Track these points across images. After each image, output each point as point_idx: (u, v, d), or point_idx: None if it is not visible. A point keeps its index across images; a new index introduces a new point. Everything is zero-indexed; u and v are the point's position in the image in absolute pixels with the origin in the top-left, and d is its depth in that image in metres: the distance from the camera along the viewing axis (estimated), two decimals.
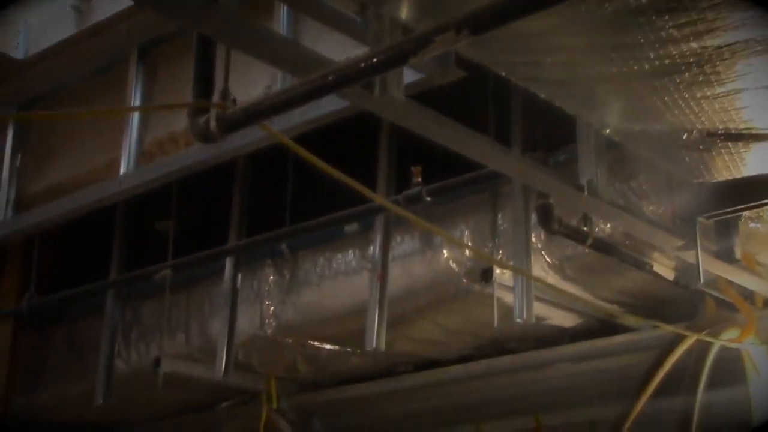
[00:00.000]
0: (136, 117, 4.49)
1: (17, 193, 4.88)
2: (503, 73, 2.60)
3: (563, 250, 4.11)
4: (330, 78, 2.27)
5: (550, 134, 3.89)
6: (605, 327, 4.66)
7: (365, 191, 2.66)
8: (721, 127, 2.79)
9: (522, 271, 3.67)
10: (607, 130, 2.98)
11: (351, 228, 4.58)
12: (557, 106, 2.85)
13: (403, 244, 4.47)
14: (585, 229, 3.79)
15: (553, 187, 3.09)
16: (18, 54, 4.69)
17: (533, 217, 3.98)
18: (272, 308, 4.85)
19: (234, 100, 2.49)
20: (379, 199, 3.01)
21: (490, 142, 2.83)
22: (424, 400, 5.16)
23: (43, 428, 6.18)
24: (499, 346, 4.98)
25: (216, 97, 2.48)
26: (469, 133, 2.73)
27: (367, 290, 4.34)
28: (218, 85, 2.52)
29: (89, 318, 5.54)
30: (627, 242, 3.93)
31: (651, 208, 3.78)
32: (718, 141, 2.88)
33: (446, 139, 2.68)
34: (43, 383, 5.74)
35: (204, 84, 2.53)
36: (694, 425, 3.80)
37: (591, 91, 2.66)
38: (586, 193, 3.13)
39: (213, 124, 2.46)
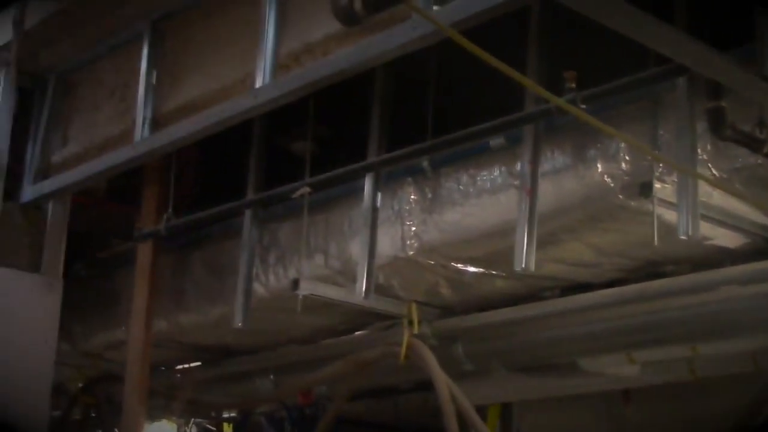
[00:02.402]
0: (271, 28, 4.24)
1: (153, 111, 4.71)
2: None
3: (732, 162, 3.72)
4: None
5: (720, 35, 3.50)
6: None
7: (526, 81, 2.32)
8: None
9: (690, 171, 3.28)
10: None
11: (497, 142, 4.27)
12: None
13: (553, 159, 4.15)
14: (761, 135, 3.39)
15: (734, 76, 2.69)
16: None
17: (698, 127, 3.62)
18: (413, 228, 4.61)
19: None
20: (537, 89, 2.65)
21: (663, 24, 2.45)
22: (572, 326, 4.85)
23: (184, 350, 6.14)
24: (654, 269, 4.62)
25: None
26: (639, 13, 2.36)
27: (513, 208, 4.08)
28: None
29: (227, 240, 5.43)
30: None
31: None
32: None
33: (622, 22, 2.32)
34: (183, 306, 5.66)
35: None
36: None
37: None
38: None
39: (358, 3, 2.17)
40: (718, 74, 2.74)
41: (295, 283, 4.69)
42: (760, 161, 3.62)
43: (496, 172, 4.32)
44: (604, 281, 4.76)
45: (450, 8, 3.14)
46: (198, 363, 6.48)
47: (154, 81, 4.71)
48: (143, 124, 4.64)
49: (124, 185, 5.70)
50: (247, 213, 4.98)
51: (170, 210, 5.10)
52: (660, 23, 2.37)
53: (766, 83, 2.72)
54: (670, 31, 2.43)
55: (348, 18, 2.19)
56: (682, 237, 3.59)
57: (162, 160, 5.20)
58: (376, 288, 4.68)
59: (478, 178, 4.38)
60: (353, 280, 4.57)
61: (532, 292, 4.98)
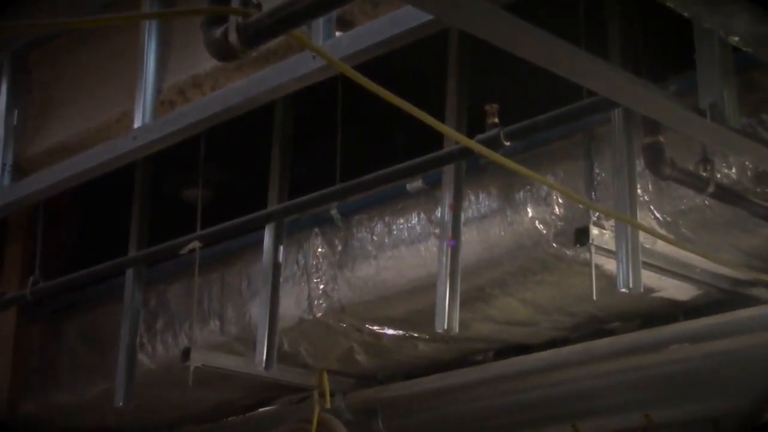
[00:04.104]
0: (151, 60, 4.31)
1: (15, 156, 4.73)
2: None
3: (677, 203, 3.84)
4: None
5: (657, 64, 3.65)
6: (730, 299, 4.37)
7: (439, 126, 2.41)
8: None
9: (630, 221, 3.39)
10: (736, 38, 2.70)
11: (414, 185, 4.36)
12: (670, 9, 2.59)
13: (478, 204, 4.25)
14: (704, 173, 3.52)
15: (667, 111, 2.81)
16: None
17: (638, 164, 3.74)
18: (322, 286, 4.66)
19: (259, 5, 2.27)
20: (443, 128, 2.74)
21: (590, 56, 2.56)
22: (508, 393, 4.91)
23: None
24: (599, 326, 4.73)
25: (236, 2, 2.26)
26: (562, 43, 2.47)
27: (435, 260, 4.14)
28: None
29: (107, 305, 5.41)
30: (758, 190, 3.65)
31: None
32: None
33: (534, 51, 2.43)
34: (56, 383, 5.62)
35: None
36: None
37: None
38: (708, 119, 2.85)
39: (233, 35, 2.24)
40: (647, 108, 2.85)
41: (186, 353, 4.69)
42: (707, 202, 3.74)
43: (414, 220, 4.40)
44: (542, 341, 4.85)
45: (349, 38, 3.23)
46: None
47: (15, 121, 4.72)
48: (3, 170, 4.65)
49: None
50: (129, 272, 4.98)
51: (37, 271, 5.08)
52: (577, 52, 2.48)
53: (702, 117, 2.84)
54: (587, 61, 2.53)
55: (223, 53, 2.26)
56: (622, 290, 3.68)
57: (28, 212, 5.19)
58: (280, 356, 4.71)
59: (395, 227, 4.46)
60: (253, 347, 4.59)
61: (462, 356, 5.05)
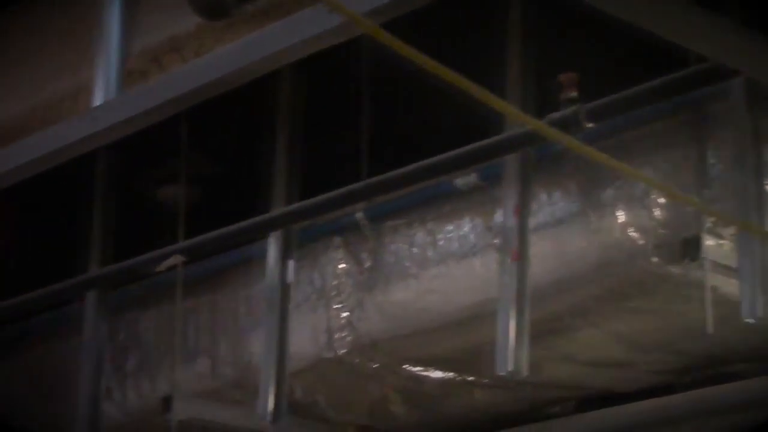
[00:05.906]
0: (116, 17, 4.37)
1: None
2: None
3: None
4: None
5: None
6: None
7: (497, 102, 2.40)
8: None
9: (757, 229, 3.38)
10: None
11: (466, 181, 4.35)
12: None
13: (552, 205, 4.25)
14: None
15: None
16: None
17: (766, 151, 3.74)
18: (345, 314, 4.69)
19: None
20: (516, 114, 2.73)
21: (696, 8, 2.56)
22: None
23: None
24: (716, 369, 4.73)
25: None
26: None
27: (495, 281, 4.15)
28: None
29: (61, 339, 5.47)
30: None
31: None
32: None
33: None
34: None
35: None
36: None
37: None
38: None
39: None
40: None
41: (167, 403, 4.73)
42: None
43: (467, 227, 4.40)
44: (639, 389, 4.85)
45: None
46: None
47: None
48: None
49: None
50: (91, 296, 5.02)
51: None
52: (673, 2, 2.47)
53: None
54: (692, 15, 2.53)
55: (211, 8, 2.27)
56: (748, 320, 3.67)
57: None
58: (291, 406, 4.74)
59: (441, 236, 4.46)
60: (255, 394, 4.62)
61: (533, 407, 5.07)
